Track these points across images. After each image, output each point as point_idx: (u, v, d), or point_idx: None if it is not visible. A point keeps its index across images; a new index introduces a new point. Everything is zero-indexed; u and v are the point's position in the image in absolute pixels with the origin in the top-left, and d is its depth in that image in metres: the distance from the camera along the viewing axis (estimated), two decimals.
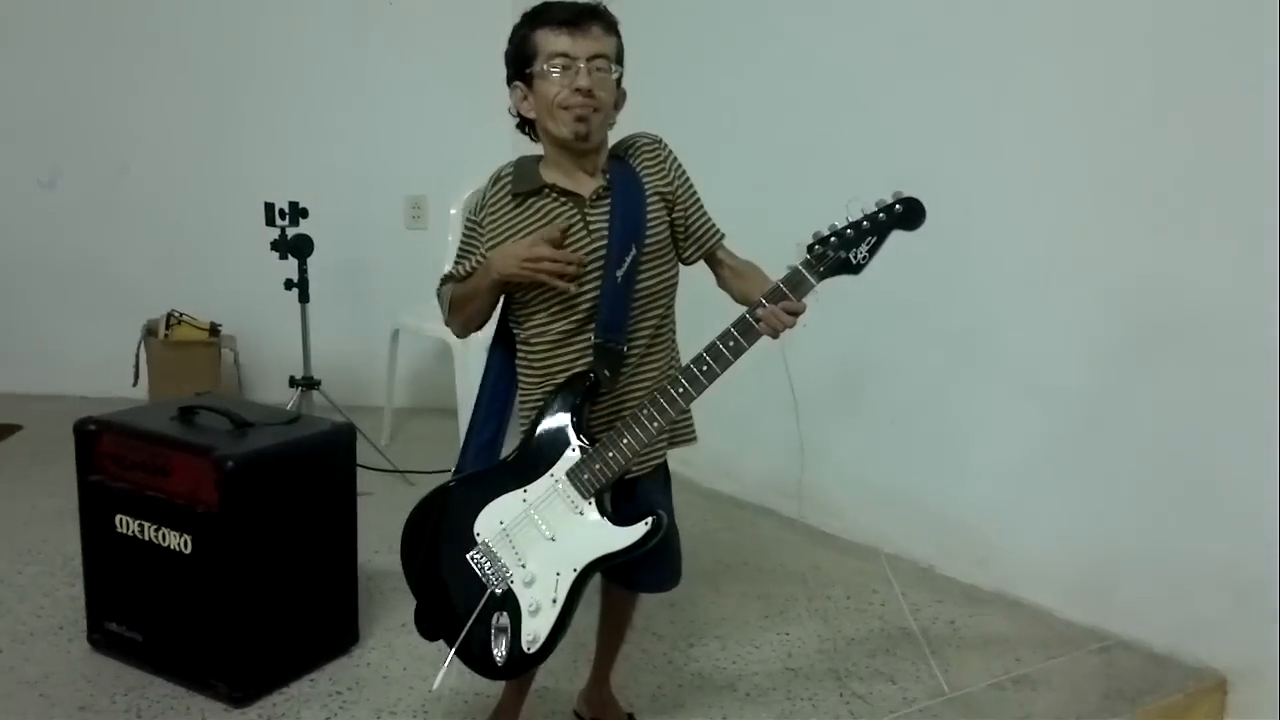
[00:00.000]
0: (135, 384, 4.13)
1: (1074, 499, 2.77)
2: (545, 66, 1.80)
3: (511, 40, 1.87)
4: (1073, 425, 2.75)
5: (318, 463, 2.47)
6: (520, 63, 1.84)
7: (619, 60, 1.86)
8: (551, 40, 1.80)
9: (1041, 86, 2.73)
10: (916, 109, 2.99)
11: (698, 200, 1.97)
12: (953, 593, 2.96)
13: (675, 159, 1.95)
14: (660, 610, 2.77)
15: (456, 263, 1.96)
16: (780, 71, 3.35)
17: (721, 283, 2.01)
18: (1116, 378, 2.65)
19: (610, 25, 1.84)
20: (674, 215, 1.93)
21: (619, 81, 1.87)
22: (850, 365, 3.10)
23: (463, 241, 1.96)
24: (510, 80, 1.88)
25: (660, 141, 1.95)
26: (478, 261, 1.90)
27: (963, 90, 2.89)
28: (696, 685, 2.47)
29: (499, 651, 1.85)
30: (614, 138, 1.95)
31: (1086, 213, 2.67)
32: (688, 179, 1.96)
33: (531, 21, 1.83)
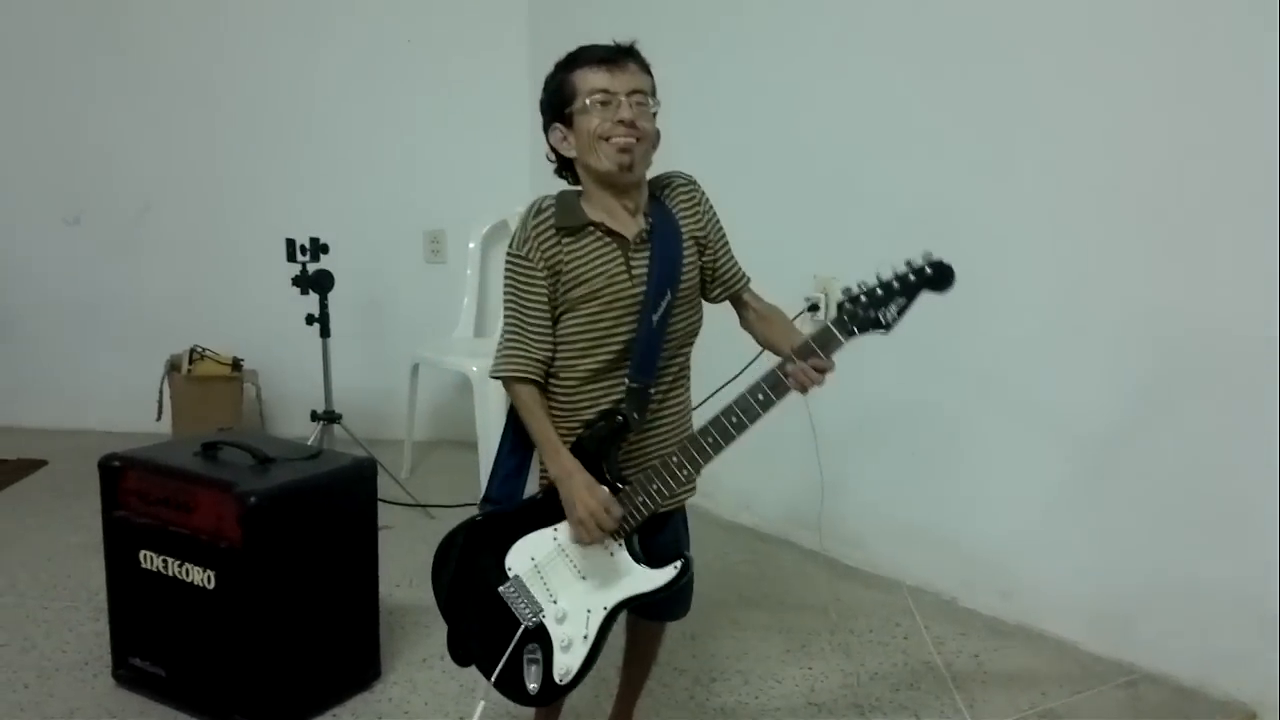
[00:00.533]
0: (159, 419, 4.17)
1: (1097, 530, 2.75)
2: (586, 103, 1.82)
3: (547, 87, 1.88)
4: (1095, 457, 2.74)
5: (339, 497, 2.48)
6: (559, 104, 1.86)
7: (655, 96, 1.88)
8: (591, 78, 1.82)
9: (1060, 119, 2.73)
10: (934, 143, 3.00)
11: (726, 244, 1.99)
12: (976, 626, 2.94)
13: (708, 201, 1.97)
14: (682, 645, 2.76)
15: (515, 314, 1.88)
16: (795, 106, 3.37)
17: (745, 324, 2.03)
18: (1137, 411, 2.64)
19: (645, 65, 1.87)
20: (704, 258, 1.95)
21: (655, 117, 1.88)
22: (870, 398, 3.09)
23: (511, 287, 1.88)
24: (548, 124, 1.89)
25: (694, 183, 1.97)
26: (541, 305, 1.85)
27: (980, 124, 2.90)
28: None
29: (532, 682, 1.91)
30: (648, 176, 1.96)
31: (1105, 247, 2.67)
32: (718, 221, 1.98)
33: (569, 65, 1.86)
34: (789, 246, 3.36)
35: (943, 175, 2.97)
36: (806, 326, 3.11)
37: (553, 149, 1.91)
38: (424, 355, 3.97)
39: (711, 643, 2.81)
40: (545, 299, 1.86)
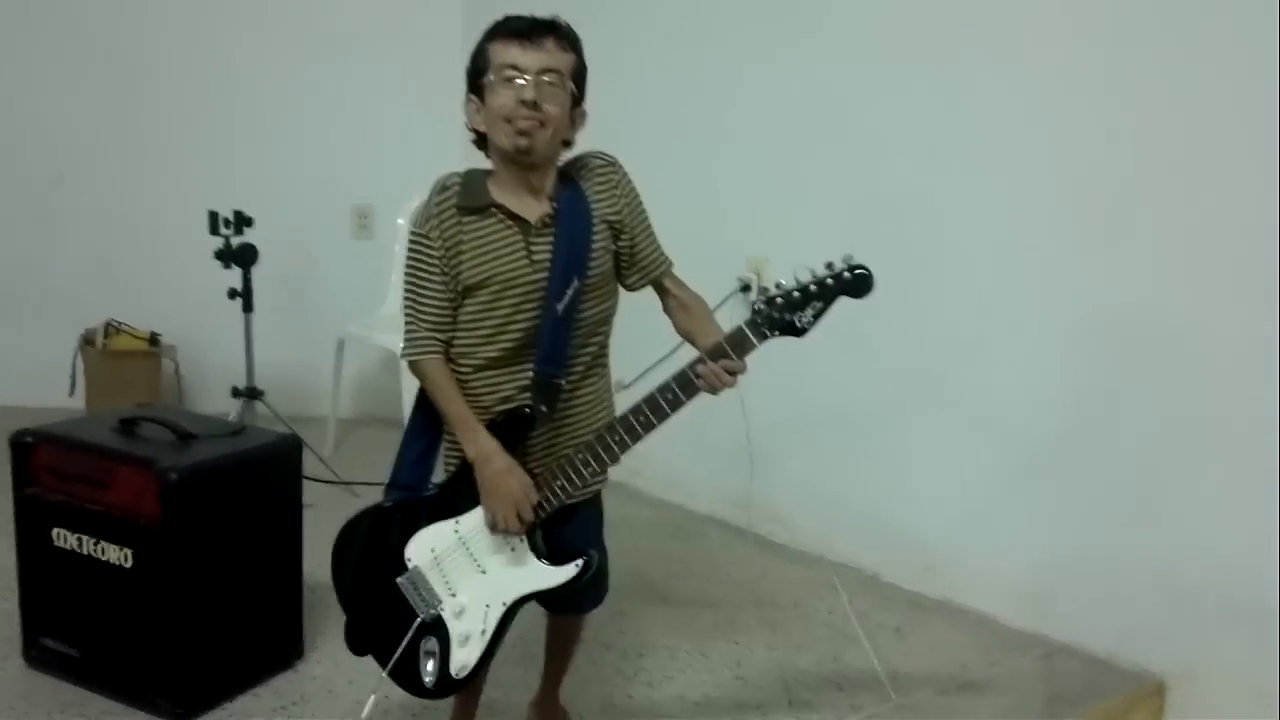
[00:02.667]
0: (72, 394, 4.05)
1: (1017, 508, 2.81)
2: (494, 78, 1.76)
3: (472, 54, 1.83)
4: (1017, 441, 2.80)
5: (262, 475, 2.44)
6: (474, 75, 1.80)
7: (577, 79, 1.80)
8: (502, 51, 1.75)
9: (996, 112, 2.77)
10: (874, 131, 3.02)
11: (647, 227, 1.93)
12: (899, 601, 2.99)
13: (629, 183, 1.90)
14: (610, 621, 2.76)
15: (412, 293, 1.84)
16: (736, 93, 3.37)
17: (666, 310, 1.97)
18: (1058, 397, 2.70)
19: (567, 41, 1.79)
20: (620, 243, 1.89)
21: (578, 101, 1.82)
22: (801, 379, 3.12)
23: (411, 266, 1.84)
24: (467, 93, 1.83)
25: (614, 164, 1.90)
26: (438, 286, 1.81)
27: (921, 114, 2.92)
28: (646, 695, 2.48)
29: (428, 674, 1.88)
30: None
31: (1038, 240, 2.72)
32: (639, 205, 1.91)
33: (488, 34, 1.79)
34: (723, 226, 3.37)
35: (883, 164, 3.00)
36: (738, 308, 3.14)
37: (469, 120, 1.85)
38: (350, 331, 3.92)
39: (639, 619, 2.82)
40: (443, 278, 1.81)
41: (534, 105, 1.73)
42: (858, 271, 1.66)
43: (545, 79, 1.75)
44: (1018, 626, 2.81)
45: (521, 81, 1.74)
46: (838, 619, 2.87)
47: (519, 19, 1.78)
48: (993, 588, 2.88)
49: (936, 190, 2.89)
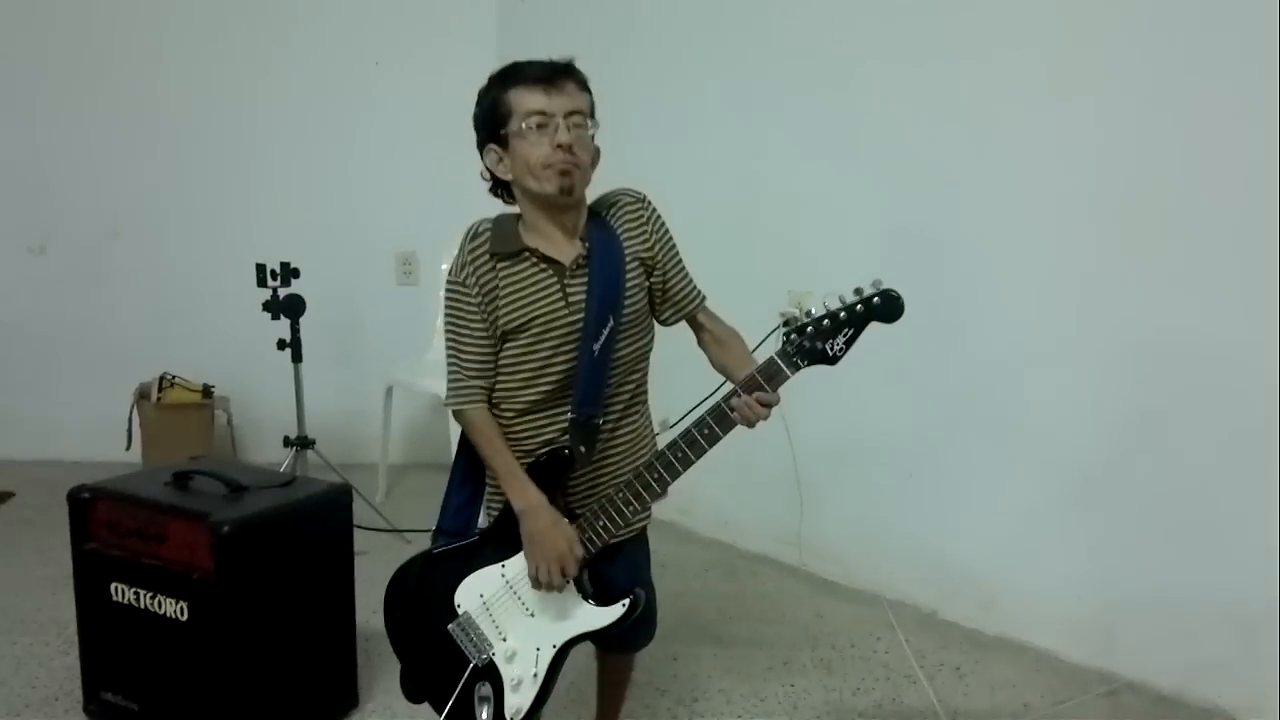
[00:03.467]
0: (129, 448, 4.11)
1: (1077, 540, 2.76)
2: (523, 125, 1.75)
3: (480, 103, 1.82)
4: (1073, 471, 2.75)
5: (314, 525, 2.45)
6: (494, 124, 1.79)
7: (593, 116, 1.82)
8: (527, 99, 1.76)
9: (1043, 132, 2.74)
10: (915, 159, 3.00)
11: (679, 263, 1.92)
12: (956, 638, 2.93)
13: (658, 219, 1.89)
14: (663, 664, 2.74)
15: (454, 343, 1.84)
16: (777, 126, 3.37)
17: (701, 345, 1.96)
18: (1117, 426, 2.65)
19: (583, 83, 1.80)
20: (652, 279, 1.88)
21: (593, 137, 1.83)
22: (848, 413, 3.10)
23: (451, 317, 1.84)
24: (483, 144, 1.83)
25: (643, 200, 1.89)
26: (479, 333, 1.82)
27: (962, 140, 2.90)
28: None
29: (484, 719, 1.87)
30: (591, 194, 1.89)
31: (1088, 266, 2.68)
32: (670, 240, 1.91)
33: (503, 82, 1.79)
34: (764, 260, 3.36)
35: (925, 191, 2.98)
36: (778, 345, 3.12)
37: (488, 169, 1.84)
38: (397, 378, 3.94)
39: (693, 662, 2.79)
40: (483, 325, 1.81)
41: (569, 149, 1.74)
42: (888, 295, 1.64)
43: (574, 121, 1.76)
44: (1080, 662, 2.75)
45: (549, 124, 1.74)
46: (895, 659, 2.83)
47: (533, 64, 1.78)
48: (1053, 622, 2.82)
49: (981, 217, 2.87)
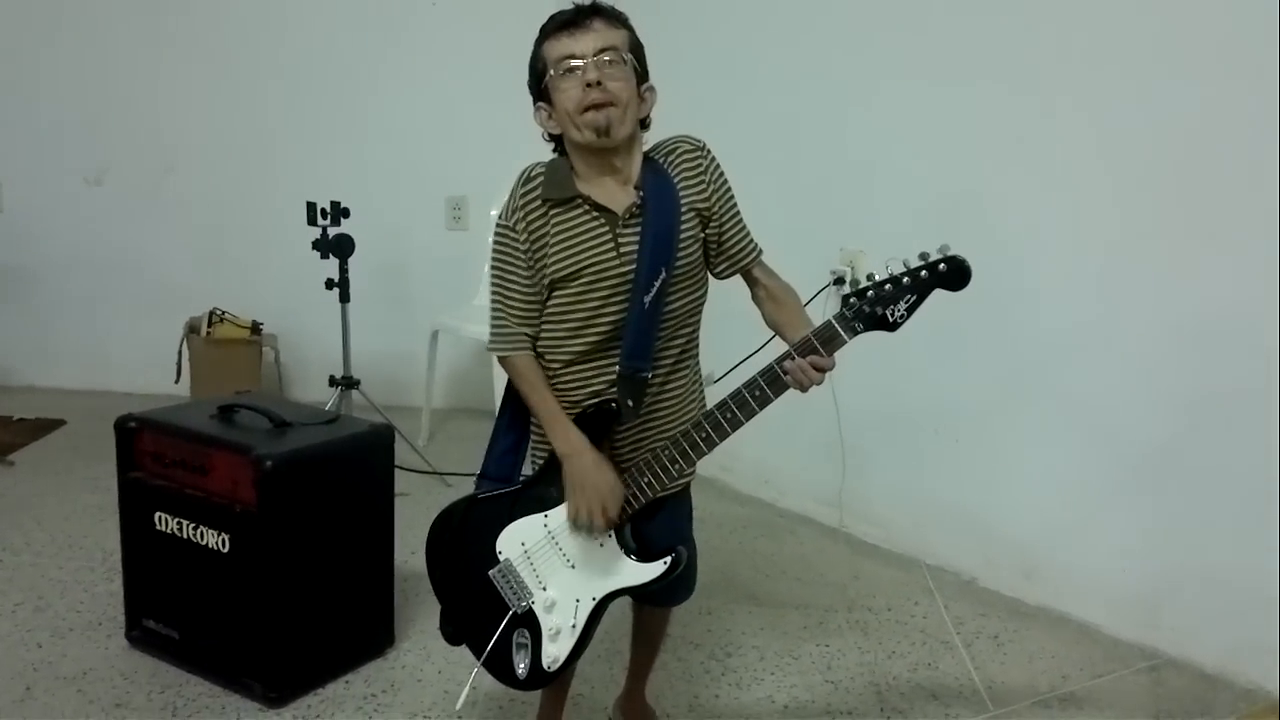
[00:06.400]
0: (177, 381, 4.16)
1: (1125, 515, 2.70)
2: (554, 73, 1.73)
3: (530, 63, 1.80)
4: (1123, 445, 2.69)
5: (356, 463, 2.46)
6: (537, 80, 1.78)
7: (635, 53, 1.76)
8: (556, 46, 1.73)
9: (1105, 96, 2.65)
10: (969, 123, 2.93)
11: (736, 214, 1.86)
12: (997, 606, 2.90)
13: (717, 168, 1.84)
14: (698, 619, 2.74)
15: (499, 287, 1.82)
16: (830, 82, 3.29)
17: (755, 300, 1.92)
18: (1168, 403, 2.59)
19: (614, 18, 1.75)
20: (708, 230, 1.83)
21: (642, 75, 1.77)
22: (896, 377, 3.05)
23: (497, 259, 1.82)
24: (535, 103, 1.80)
25: (702, 148, 1.84)
26: (525, 279, 1.79)
27: (1018, 103, 2.82)
28: (734, 696, 2.44)
29: (521, 666, 1.88)
30: (652, 140, 1.85)
31: (1149, 239, 2.60)
32: (728, 190, 1.85)
33: (540, 36, 1.77)
34: (817, 217, 3.31)
35: (981, 155, 2.91)
36: (831, 301, 3.08)
37: (541, 127, 1.81)
38: (444, 322, 3.95)
39: (728, 618, 2.78)
40: (529, 271, 1.79)
41: (599, 85, 1.69)
42: (955, 262, 1.57)
43: (604, 58, 1.71)
44: (1122, 637, 2.71)
45: (579, 64, 1.71)
46: (933, 624, 2.80)
47: (561, 12, 1.75)
48: (1096, 596, 2.77)
49: (1039, 185, 2.79)
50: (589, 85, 1.69)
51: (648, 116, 1.81)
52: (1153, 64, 2.56)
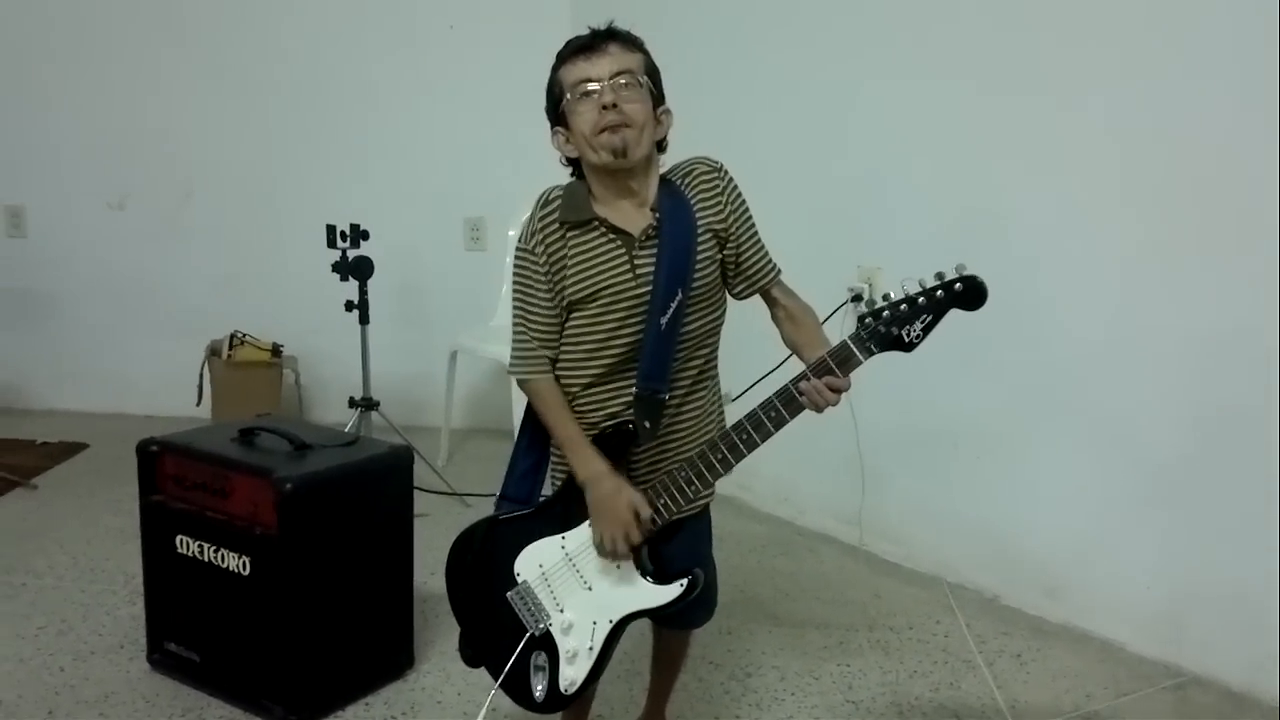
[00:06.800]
0: (199, 404, 4.19)
1: (1149, 533, 2.68)
2: (570, 97, 1.74)
3: (547, 89, 1.82)
4: (1146, 461, 2.66)
5: (376, 485, 2.47)
6: (554, 105, 1.79)
7: (651, 76, 1.77)
8: (572, 71, 1.75)
9: (1125, 109, 2.64)
10: (988, 136, 2.92)
11: (754, 235, 1.86)
12: (1019, 625, 2.88)
13: (735, 189, 1.84)
14: (717, 639, 2.73)
15: (521, 310, 1.84)
16: (849, 98, 3.29)
17: (775, 320, 1.91)
18: (1192, 418, 2.56)
19: (629, 41, 1.77)
20: (725, 251, 1.84)
21: (658, 98, 1.78)
22: (916, 394, 3.03)
23: (519, 282, 1.83)
24: (553, 127, 1.82)
25: (719, 170, 1.84)
26: (545, 302, 1.80)
27: (1038, 115, 2.81)
28: (754, 717, 2.42)
29: (538, 689, 1.87)
30: (667, 163, 1.86)
31: (1172, 253, 2.57)
32: (746, 211, 1.85)
33: (556, 63, 1.79)
34: (834, 233, 3.31)
35: (1000, 170, 2.90)
36: (849, 319, 3.07)
37: (559, 151, 1.83)
38: (462, 343, 3.96)
39: (748, 638, 2.77)
40: (549, 294, 1.80)
41: (614, 107, 1.71)
42: (971, 281, 1.57)
43: (620, 81, 1.72)
44: (1146, 655, 2.68)
45: (595, 88, 1.72)
46: (955, 643, 2.78)
47: (577, 37, 1.77)
48: (1120, 613, 2.75)
49: (1058, 198, 2.78)
50: (605, 108, 1.71)
51: (664, 139, 1.83)
52: (1172, 76, 2.54)
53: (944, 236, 2.95)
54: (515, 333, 1.85)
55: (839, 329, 2.70)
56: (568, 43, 1.78)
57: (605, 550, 1.79)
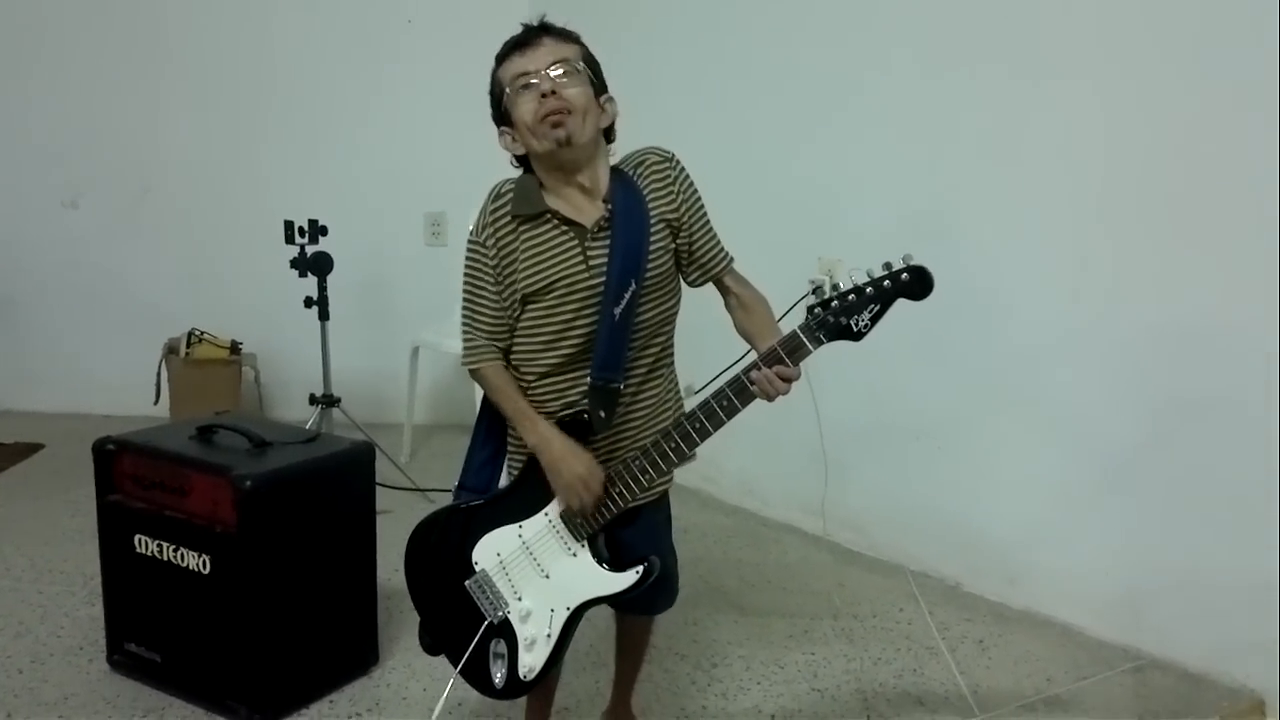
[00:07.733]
0: (156, 402, 4.13)
1: (1106, 518, 2.72)
2: (509, 91, 1.76)
3: (489, 91, 1.84)
4: (1103, 448, 2.70)
5: (337, 482, 2.45)
6: (497, 103, 1.81)
7: (589, 65, 1.79)
8: (509, 67, 1.77)
9: (1077, 105, 2.67)
10: (943, 131, 2.95)
11: (706, 223, 1.88)
12: (981, 611, 2.91)
13: (686, 179, 1.86)
14: (683, 630, 2.73)
15: (469, 301, 1.85)
16: (809, 89, 3.30)
17: (728, 309, 1.93)
18: (1147, 405, 2.60)
19: (563, 34, 1.79)
20: (678, 240, 1.85)
21: (599, 86, 1.79)
22: (877, 385, 3.06)
23: (468, 274, 1.85)
24: (499, 128, 1.83)
25: (670, 159, 1.85)
26: (494, 294, 1.82)
27: (991, 113, 2.84)
28: (720, 706, 2.43)
29: (498, 676, 1.89)
30: (620, 152, 1.87)
31: (1121, 246, 2.62)
32: (698, 201, 1.87)
33: (495, 65, 1.81)
34: (794, 226, 3.32)
35: (958, 164, 2.92)
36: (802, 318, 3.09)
37: (507, 151, 1.85)
38: (424, 338, 3.94)
39: (713, 628, 2.78)
40: (498, 286, 1.81)
41: (554, 94, 1.72)
42: (917, 271, 1.59)
43: (557, 70, 1.74)
44: (1106, 638, 2.72)
45: (534, 80, 1.74)
46: (918, 630, 2.81)
47: (513, 36, 1.79)
48: (1079, 598, 2.78)
49: (1014, 191, 2.81)
50: (544, 95, 1.73)
51: (612, 128, 1.84)
52: (1121, 72, 2.58)
53: (904, 228, 2.97)
54: (463, 324, 1.87)
55: (798, 321, 2.71)
56: (505, 42, 1.80)
57: (574, 509, 1.80)
